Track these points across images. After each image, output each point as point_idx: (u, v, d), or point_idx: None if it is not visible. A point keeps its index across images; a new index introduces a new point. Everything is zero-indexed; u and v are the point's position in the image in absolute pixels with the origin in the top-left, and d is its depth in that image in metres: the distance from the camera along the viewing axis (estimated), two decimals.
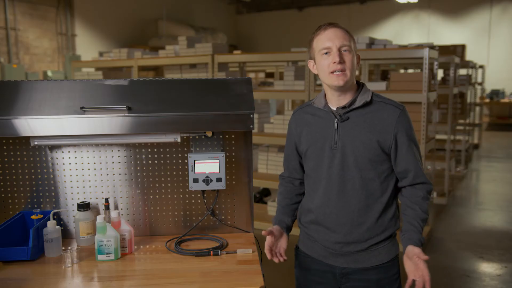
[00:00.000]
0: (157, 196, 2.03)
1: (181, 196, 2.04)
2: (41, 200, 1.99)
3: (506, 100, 12.93)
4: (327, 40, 1.61)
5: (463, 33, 13.85)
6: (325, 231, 1.72)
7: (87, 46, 11.33)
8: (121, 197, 2.02)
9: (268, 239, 1.72)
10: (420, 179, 1.69)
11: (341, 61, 1.59)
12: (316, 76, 4.50)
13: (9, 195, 1.98)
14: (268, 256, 1.71)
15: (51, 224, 1.78)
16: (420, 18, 14.72)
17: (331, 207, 1.69)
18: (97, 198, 2.01)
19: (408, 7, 14.64)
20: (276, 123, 4.82)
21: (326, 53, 1.62)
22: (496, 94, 12.96)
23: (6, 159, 1.96)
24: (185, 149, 2.01)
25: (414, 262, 1.58)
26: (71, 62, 7.37)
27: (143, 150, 2.01)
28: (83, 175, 2.00)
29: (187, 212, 2.05)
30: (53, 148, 1.97)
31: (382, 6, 15.19)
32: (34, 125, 1.79)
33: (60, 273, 1.65)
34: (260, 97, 5.27)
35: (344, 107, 1.66)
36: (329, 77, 1.62)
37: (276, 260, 1.73)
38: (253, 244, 1.90)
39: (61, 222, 1.99)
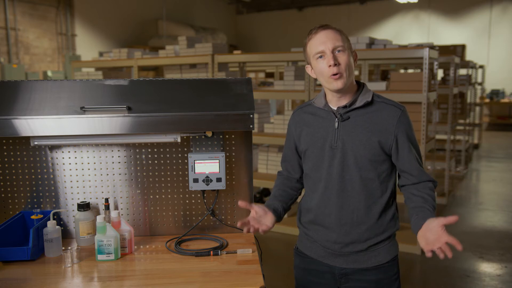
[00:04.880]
0: (157, 196, 2.03)
1: (181, 196, 2.04)
2: (41, 200, 1.99)
3: (506, 100, 12.92)
4: (319, 44, 1.61)
5: (463, 33, 13.85)
6: (324, 231, 1.72)
7: (87, 46, 11.33)
8: (121, 197, 2.02)
9: (252, 213, 1.67)
10: (424, 178, 1.69)
11: (336, 63, 1.59)
12: None
13: (9, 195, 1.98)
14: (238, 224, 1.61)
15: (51, 224, 1.78)
16: (420, 18, 14.72)
17: (330, 207, 1.69)
18: (97, 198, 2.01)
19: (408, 7, 14.64)
20: (276, 123, 4.82)
21: (321, 56, 1.61)
22: (496, 94, 12.96)
23: (6, 159, 1.96)
24: (185, 149, 2.01)
25: (436, 232, 1.46)
26: (71, 62, 7.37)
27: (143, 150, 2.01)
28: (83, 175, 2.00)
29: (187, 212, 2.05)
30: (53, 148, 1.97)
31: (382, 6, 15.19)
32: (34, 125, 1.79)
33: (60, 273, 1.65)
34: (260, 97, 5.27)
35: (344, 107, 1.66)
36: (328, 81, 1.62)
37: (245, 230, 1.62)
38: (253, 244, 1.90)
39: (61, 222, 1.99)
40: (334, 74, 1.59)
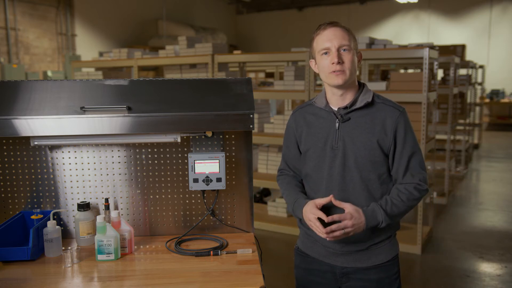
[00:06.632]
0: (157, 196, 2.03)
1: (181, 196, 2.04)
2: (41, 200, 1.99)
3: (506, 100, 12.93)
4: (326, 41, 1.62)
5: (463, 33, 13.85)
6: None
7: (87, 46, 11.33)
8: (121, 197, 2.02)
9: (326, 219, 1.63)
10: (410, 180, 1.66)
11: (340, 62, 1.59)
12: (316, 76, 4.50)
13: (9, 195, 1.98)
14: (327, 236, 1.61)
15: (51, 224, 1.78)
16: (420, 18, 14.72)
17: (331, 207, 1.68)
18: (97, 198, 2.01)
19: (408, 7, 14.64)
20: (276, 123, 4.82)
21: (326, 53, 1.62)
22: (496, 94, 12.96)
23: (6, 159, 1.96)
24: (185, 149, 2.01)
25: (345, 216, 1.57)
26: (71, 62, 7.36)
27: (143, 150, 2.01)
28: (83, 175, 2.00)
29: (187, 212, 2.05)
30: (53, 148, 1.97)
31: (382, 6, 15.19)
32: (34, 125, 1.79)
33: (60, 273, 1.65)
34: (260, 97, 5.27)
35: (345, 108, 1.66)
36: (328, 77, 1.63)
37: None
38: (253, 244, 1.90)
39: (61, 222, 1.99)
40: (336, 71, 1.59)
